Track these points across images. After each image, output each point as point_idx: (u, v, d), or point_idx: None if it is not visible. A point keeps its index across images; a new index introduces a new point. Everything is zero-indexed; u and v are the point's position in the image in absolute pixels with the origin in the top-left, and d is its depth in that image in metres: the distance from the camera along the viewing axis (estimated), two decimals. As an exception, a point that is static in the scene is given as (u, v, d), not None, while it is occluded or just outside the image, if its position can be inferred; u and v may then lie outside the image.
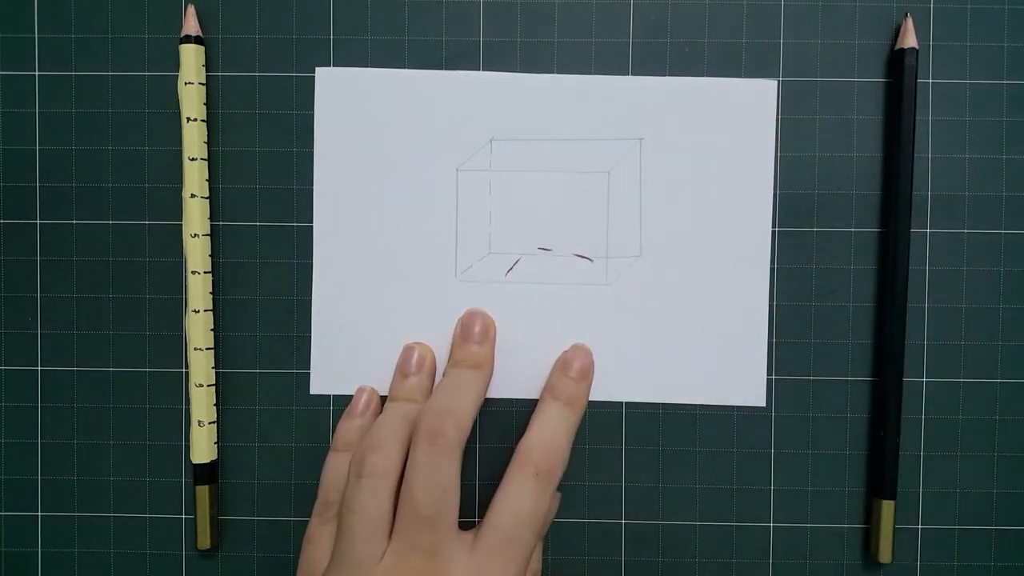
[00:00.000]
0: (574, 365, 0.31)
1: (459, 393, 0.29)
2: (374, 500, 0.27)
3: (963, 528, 0.32)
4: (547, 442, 0.28)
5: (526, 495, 0.27)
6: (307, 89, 0.32)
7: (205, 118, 0.31)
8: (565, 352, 0.31)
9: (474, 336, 0.31)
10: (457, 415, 0.28)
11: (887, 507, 0.31)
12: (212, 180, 0.32)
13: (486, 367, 0.30)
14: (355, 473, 0.28)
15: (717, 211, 0.32)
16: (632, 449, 0.32)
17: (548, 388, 0.30)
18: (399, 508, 0.27)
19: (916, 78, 0.30)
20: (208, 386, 0.31)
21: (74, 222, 0.32)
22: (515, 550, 0.27)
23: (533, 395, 0.32)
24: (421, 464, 0.27)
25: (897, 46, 0.31)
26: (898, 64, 0.31)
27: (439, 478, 0.27)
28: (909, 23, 0.31)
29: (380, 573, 0.26)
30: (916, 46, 0.30)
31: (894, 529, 0.31)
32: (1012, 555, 0.32)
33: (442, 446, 0.27)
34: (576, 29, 0.32)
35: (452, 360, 0.31)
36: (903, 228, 0.30)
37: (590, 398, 0.32)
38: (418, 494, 0.26)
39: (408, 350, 0.31)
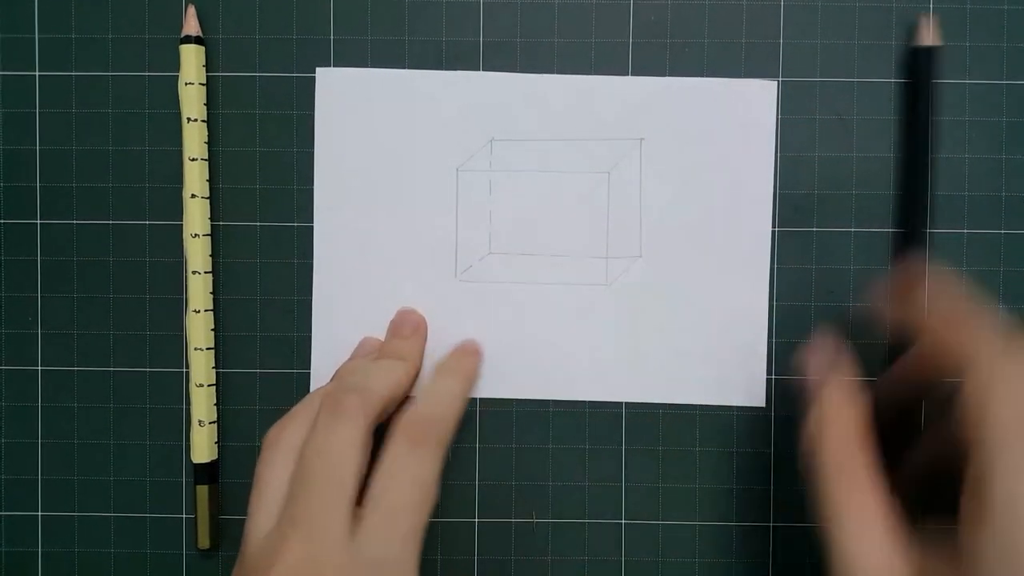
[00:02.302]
0: (461, 348, 0.31)
1: (373, 374, 0.28)
2: (270, 471, 0.26)
3: (963, 528, 0.32)
4: (422, 407, 0.28)
5: (401, 458, 0.26)
6: (307, 89, 0.32)
7: (205, 118, 0.31)
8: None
9: (402, 332, 0.31)
10: (364, 390, 0.27)
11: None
12: (212, 180, 0.32)
13: (410, 359, 0.30)
14: (261, 446, 0.27)
15: (717, 211, 0.32)
16: (632, 449, 0.32)
17: (435, 370, 0.31)
18: (291, 480, 0.26)
19: (935, 77, 0.30)
20: (208, 386, 0.31)
21: (74, 222, 0.32)
22: (399, 521, 0.25)
23: (533, 395, 0.32)
24: (318, 431, 0.26)
25: (916, 44, 0.31)
26: (916, 62, 0.31)
27: (334, 444, 0.25)
28: (928, 21, 0.31)
29: (254, 549, 0.25)
30: (936, 44, 0.30)
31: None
32: (1012, 555, 0.32)
33: (340, 415, 0.26)
34: (576, 29, 0.32)
35: (378, 355, 0.31)
36: (922, 228, 0.31)
37: (591, 399, 0.32)
38: (308, 458, 0.25)
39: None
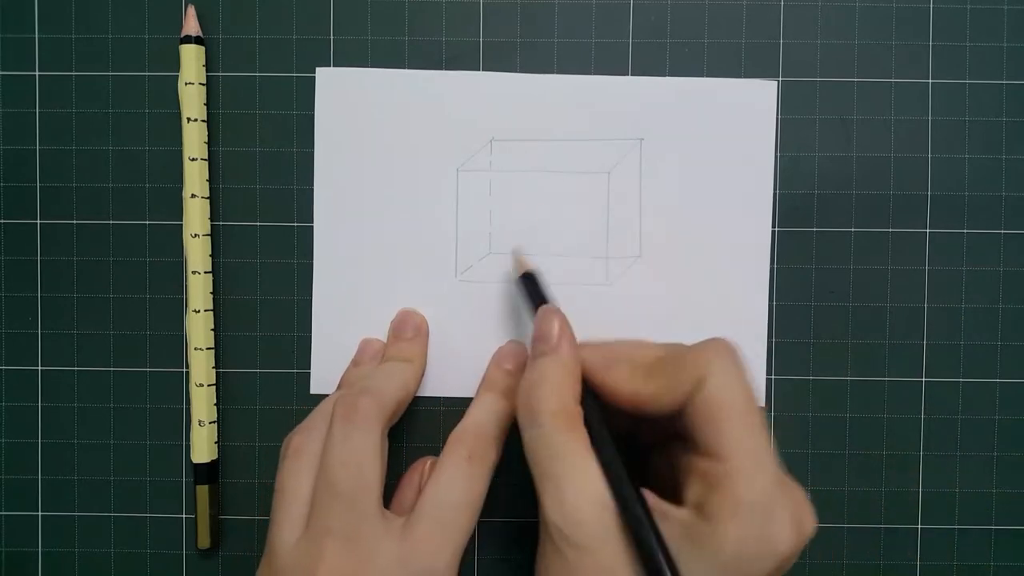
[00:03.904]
0: (510, 359, 0.31)
1: (381, 378, 0.29)
2: (293, 480, 0.26)
3: (963, 528, 0.32)
4: (479, 427, 0.28)
5: (459, 478, 0.26)
6: (307, 89, 0.32)
7: (205, 118, 0.31)
8: (501, 348, 0.31)
9: (405, 334, 0.31)
10: (375, 394, 0.27)
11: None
12: (212, 180, 0.32)
13: (416, 361, 0.30)
14: (281, 455, 0.27)
15: (717, 211, 0.32)
16: (632, 449, 0.32)
17: (484, 382, 0.31)
18: (315, 490, 0.26)
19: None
20: (208, 386, 0.31)
21: (74, 222, 0.32)
22: (449, 535, 0.26)
23: (533, 395, 0.32)
24: (335, 439, 0.26)
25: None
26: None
27: (354, 452, 0.26)
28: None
29: (287, 559, 0.25)
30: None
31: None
32: (1011, 555, 0.32)
33: (356, 421, 0.26)
34: (576, 29, 0.32)
35: (383, 358, 0.31)
36: None
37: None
38: (332, 468, 0.25)
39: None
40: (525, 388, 0.26)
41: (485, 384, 0.31)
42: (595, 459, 0.24)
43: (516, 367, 0.31)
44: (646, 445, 0.28)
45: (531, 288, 0.29)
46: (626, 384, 0.25)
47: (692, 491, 0.23)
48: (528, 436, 0.25)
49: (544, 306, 0.28)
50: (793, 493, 0.23)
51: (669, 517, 0.23)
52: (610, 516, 0.23)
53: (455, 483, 0.26)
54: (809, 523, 0.23)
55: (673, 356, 0.25)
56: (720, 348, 0.24)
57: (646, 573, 0.22)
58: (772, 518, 0.22)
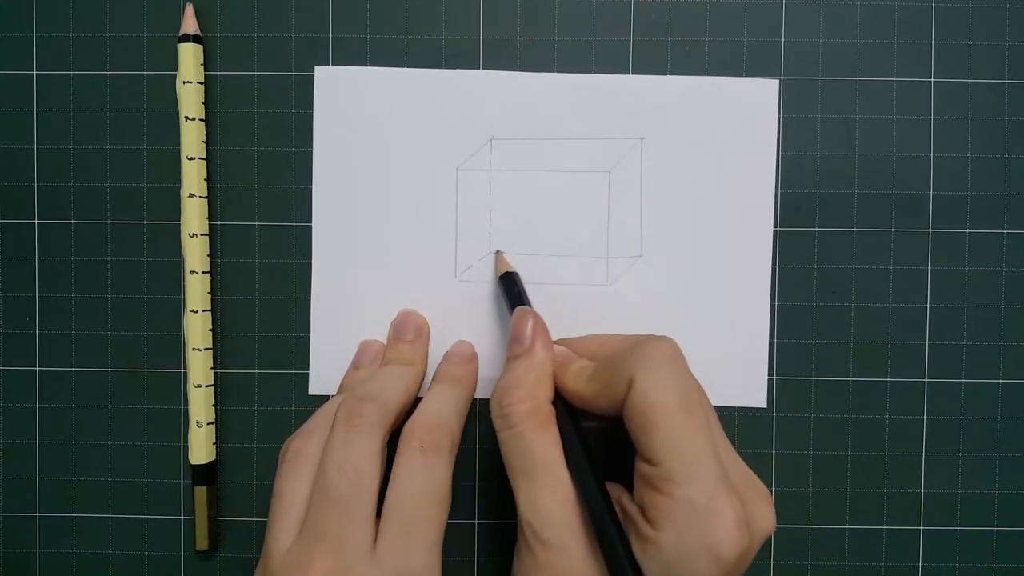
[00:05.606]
0: (458, 354, 0.31)
1: (384, 382, 0.28)
2: (291, 484, 0.26)
3: (965, 529, 0.32)
4: (428, 416, 0.27)
5: (416, 469, 0.26)
6: (306, 88, 0.32)
7: (203, 117, 0.31)
8: (449, 349, 0.31)
9: (405, 336, 0.31)
10: (379, 400, 0.27)
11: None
12: (211, 180, 0.32)
13: (417, 364, 0.30)
14: (280, 458, 0.27)
15: (718, 211, 0.31)
16: (632, 450, 0.32)
17: (434, 377, 0.31)
18: (311, 494, 0.26)
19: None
20: (207, 386, 0.31)
21: (72, 222, 0.32)
22: (419, 531, 0.25)
23: (533, 395, 0.32)
24: (335, 444, 0.26)
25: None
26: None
27: (353, 458, 0.25)
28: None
29: (280, 563, 0.25)
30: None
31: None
32: (1014, 556, 0.32)
33: (359, 427, 0.26)
34: (576, 28, 0.31)
35: (383, 360, 0.31)
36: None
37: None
38: (329, 473, 0.25)
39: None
40: (499, 390, 0.26)
41: (434, 378, 0.31)
42: (561, 465, 0.24)
43: (463, 360, 0.31)
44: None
45: (509, 289, 0.30)
46: (571, 384, 0.26)
47: (637, 492, 0.24)
48: (503, 437, 0.25)
49: (519, 308, 0.28)
50: (744, 492, 0.23)
51: (629, 515, 0.23)
52: (578, 515, 0.24)
53: (412, 475, 0.26)
54: (763, 523, 0.23)
55: (611, 357, 0.25)
56: (652, 348, 0.24)
57: (609, 571, 0.23)
58: (712, 521, 0.22)
